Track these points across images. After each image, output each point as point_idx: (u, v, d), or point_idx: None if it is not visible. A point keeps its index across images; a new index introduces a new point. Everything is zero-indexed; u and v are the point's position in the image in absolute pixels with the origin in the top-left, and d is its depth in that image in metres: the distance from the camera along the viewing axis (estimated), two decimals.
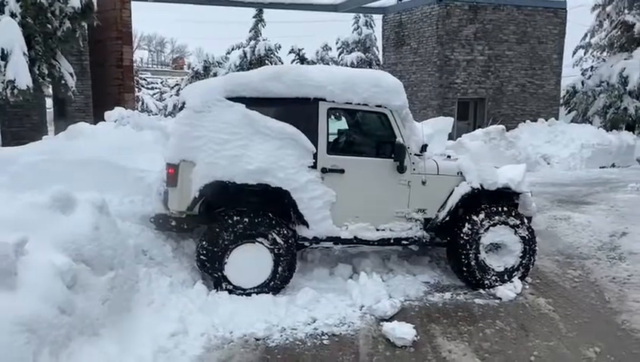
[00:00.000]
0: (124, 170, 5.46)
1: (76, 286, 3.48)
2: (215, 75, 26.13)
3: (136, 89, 27.37)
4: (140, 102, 29.55)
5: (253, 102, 4.87)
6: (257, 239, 4.79)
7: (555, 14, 17.74)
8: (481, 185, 5.28)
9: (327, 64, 27.32)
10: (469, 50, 16.97)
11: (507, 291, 5.11)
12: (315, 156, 4.93)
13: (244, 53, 26.02)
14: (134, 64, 16.56)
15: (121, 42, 13.19)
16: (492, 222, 5.25)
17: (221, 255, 4.73)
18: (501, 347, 4.13)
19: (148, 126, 6.90)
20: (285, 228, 4.88)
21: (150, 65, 63.13)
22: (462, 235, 5.20)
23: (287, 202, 4.89)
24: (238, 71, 24.60)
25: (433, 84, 17.14)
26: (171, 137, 4.92)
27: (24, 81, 8.51)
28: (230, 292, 4.75)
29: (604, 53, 19.49)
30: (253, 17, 27.04)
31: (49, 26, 9.43)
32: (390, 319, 4.47)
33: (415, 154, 5.22)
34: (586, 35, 20.60)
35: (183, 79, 32.29)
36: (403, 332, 4.15)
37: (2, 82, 8.49)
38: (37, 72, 9.29)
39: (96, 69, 12.89)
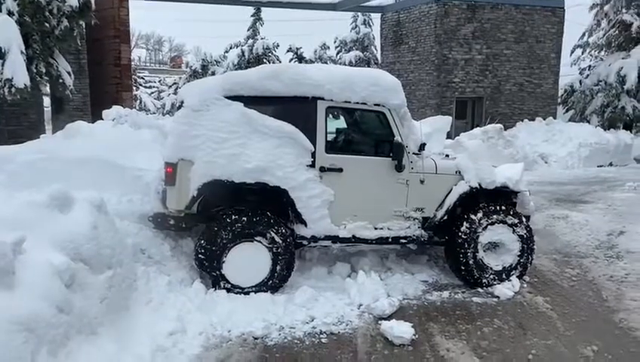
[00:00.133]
0: (122, 168, 5.45)
1: (74, 285, 3.47)
2: (213, 73, 26.11)
3: (134, 88, 27.32)
4: (138, 101, 29.52)
5: (252, 101, 4.87)
6: (256, 238, 4.79)
7: (553, 13, 17.76)
8: (480, 184, 5.29)
9: (326, 63, 27.36)
10: (467, 49, 16.98)
11: (505, 290, 5.12)
12: (313, 155, 4.93)
13: (242, 52, 26.01)
14: (132, 63, 16.54)
15: (119, 41, 13.17)
16: (490, 221, 5.26)
17: (219, 254, 4.73)
18: (499, 345, 4.13)
19: (146, 125, 6.90)
20: (284, 227, 4.88)
21: (148, 64, 63.05)
22: (460, 234, 5.21)
23: (286, 201, 4.89)
24: (236, 69, 24.60)
25: (431, 83, 17.15)
26: (169, 136, 4.92)
27: (22, 79, 8.49)
28: (228, 291, 4.74)
29: (602, 53, 19.51)
30: (252, 16, 27.04)
31: (47, 25, 9.41)
32: (388, 318, 4.48)
33: (413, 153, 5.22)
34: (583, 34, 20.62)
35: (180, 78, 32.26)
36: (401, 330, 4.16)
37: (0, 81, 8.47)
38: (34, 71, 9.26)
39: (94, 67, 12.86)
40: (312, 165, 4.94)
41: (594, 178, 12.26)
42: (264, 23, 27.06)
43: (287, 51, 26.45)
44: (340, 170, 5.03)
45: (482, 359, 3.92)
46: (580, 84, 19.24)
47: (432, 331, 4.35)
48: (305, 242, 5.11)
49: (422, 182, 5.25)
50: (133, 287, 4.28)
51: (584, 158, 14.15)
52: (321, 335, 4.23)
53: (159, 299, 4.39)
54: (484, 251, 5.30)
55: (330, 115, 5.24)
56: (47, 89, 11.20)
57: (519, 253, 5.37)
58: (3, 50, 8.42)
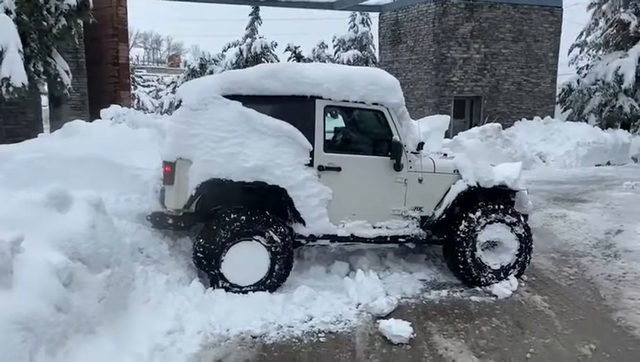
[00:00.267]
0: (120, 167, 5.45)
1: (72, 284, 3.47)
2: (211, 72, 26.09)
3: (132, 87, 27.29)
4: (136, 100, 29.51)
5: (250, 100, 4.86)
6: (254, 237, 4.79)
7: (550, 12, 17.78)
8: (478, 183, 5.29)
9: (324, 62, 27.35)
10: (465, 48, 16.99)
11: (503, 288, 5.12)
12: (311, 154, 4.93)
13: (241, 51, 26.00)
14: (130, 62, 16.51)
15: (117, 40, 13.17)
16: (489, 220, 5.26)
17: (218, 252, 4.73)
18: (497, 344, 4.14)
19: (144, 124, 6.90)
20: (282, 226, 4.88)
21: (146, 63, 62.97)
22: (458, 233, 5.22)
23: (284, 200, 4.88)
24: (234, 68, 24.59)
25: (429, 82, 17.16)
26: (168, 135, 4.91)
27: (19, 78, 8.48)
28: (227, 290, 4.74)
29: (600, 52, 19.52)
30: (250, 15, 27.03)
31: (44, 23, 9.40)
32: (387, 316, 4.48)
33: (412, 152, 5.22)
34: (581, 34, 20.63)
35: (179, 77, 32.23)
36: (399, 329, 4.16)
37: None
38: (32, 70, 9.25)
39: (92, 66, 12.85)
40: (311, 164, 4.94)
41: (592, 177, 12.29)
42: (262, 22, 27.06)
43: (286, 50, 26.45)
44: (339, 169, 5.03)
45: (480, 358, 3.93)
46: (578, 83, 19.26)
47: (431, 330, 4.36)
48: (303, 241, 5.11)
49: (420, 181, 5.25)
50: (131, 286, 4.28)
51: (582, 157, 14.18)
52: (320, 334, 4.24)
53: (157, 298, 4.39)
54: (483, 250, 5.31)
55: (329, 114, 5.24)
56: (45, 88, 11.18)
57: (517, 252, 5.37)
58: (0, 49, 8.40)
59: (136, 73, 36.83)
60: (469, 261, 5.22)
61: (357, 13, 28.00)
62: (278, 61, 25.78)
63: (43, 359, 2.95)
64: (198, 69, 27.35)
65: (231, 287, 4.77)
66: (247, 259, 4.78)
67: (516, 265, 5.39)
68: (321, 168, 4.98)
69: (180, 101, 4.94)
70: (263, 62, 24.70)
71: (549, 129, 15.15)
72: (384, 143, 5.14)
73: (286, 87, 4.91)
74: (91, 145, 5.77)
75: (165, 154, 4.82)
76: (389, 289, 5.07)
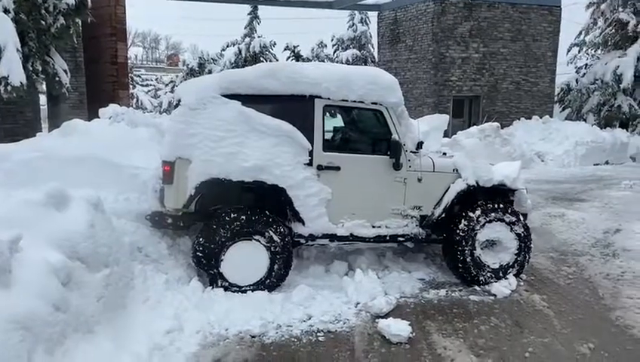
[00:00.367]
0: (118, 167, 5.44)
1: (71, 283, 3.46)
2: (210, 71, 26.08)
3: (131, 86, 27.25)
4: (135, 99, 29.47)
5: (249, 100, 4.86)
6: (254, 236, 4.79)
7: (549, 12, 17.79)
8: (477, 182, 5.29)
9: (323, 61, 27.33)
10: (464, 47, 17.00)
11: (502, 288, 5.13)
12: (310, 153, 4.93)
13: (239, 50, 25.98)
14: (129, 61, 16.48)
15: (116, 39, 13.14)
16: (488, 219, 5.27)
17: (218, 252, 4.73)
18: (496, 343, 4.14)
19: (142, 123, 6.89)
20: (282, 225, 4.87)
21: (145, 62, 62.93)
22: (458, 231, 5.22)
23: (283, 199, 4.88)
24: (232, 68, 24.57)
25: (428, 81, 17.16)
26: (167, 135, 4.90)
27: (18, 77, 8.46)
28: (226, 289, 4.74)
29: (599, 51, 19.54)
30: (248, 14, 27.02)
31: (43, 22, 9.38)
32: (385, 316, 4.48)
33: (411, 152, 5.22)
34: (580, 33, 20.65)
35: (177, 76, 32.21)
36: (398, 328, 4.16)
37: None
38: (31, 69, 9.23)
39: (90, 65, 12.83)
40: (310, 163, 4.94)
41: (590, 176, 12.30)
42: (261, 21, 27.07)
43: (285, 49, 26.44)
44: (338, 168, 5.03)
45: (479, 357, 3.93)
46: (577, 82, 19.28)
47: (429, 329, 4.36)
48: (302, 240, 5.11)
49: (419, 180, 5.25)
50: (130, 286, 4.27)
51: (580, 157, 14.19)
52: (319, 334, 4.23)
53: (156, 297, 4.38)
54: (482, 249, 5.31)
55: (328, 114, 5.24)
56: (44, 87, 11.16)
57: (517, 252, 5.38)
58: None
59: (134, 72, 36.80)
60: (468, 260, 5.22)
61: (356, 12, 27.98)
62: (277, 60, 25.77)
63: (41, 358, 2.95)
64: (197, 69, 27.33)
65: (230, 287, 4.76)
66: (246, 259, 4.77)
67: (515, 265, 5.40)
68: (320, 167, 4.98)
69: (179, 100, 4.94)
70: (262, 61, 24.67)
71: (548, 128, 15.17)
72: (383, 142, 5.14)
73: (285, 87, 4.90)
74: (90, 145, 5.76)
75: (164, 154, 4.81)
76: (388, 288, 5.07)
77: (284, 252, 4.84)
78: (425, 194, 5.30)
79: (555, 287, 5.36)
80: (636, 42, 17.66)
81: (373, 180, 5.13)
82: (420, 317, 4.59)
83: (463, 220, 5.24)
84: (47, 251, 3.41)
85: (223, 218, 4.75)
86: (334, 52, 29.12)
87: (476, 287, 5.24)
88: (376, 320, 4.40)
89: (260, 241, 4.79)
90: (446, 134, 12.38)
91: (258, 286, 4.81)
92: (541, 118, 15.88)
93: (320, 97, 4.98)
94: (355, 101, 5.06)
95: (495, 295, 5.07)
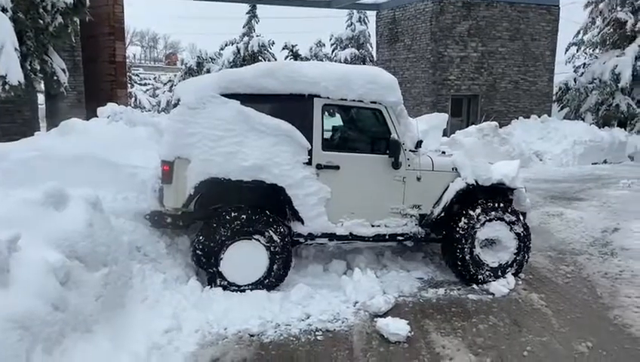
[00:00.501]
0: (117, 166, 5.43)
1: (69, 282, 3.46)
2: (208, 71, 26.07)
3: (129, 85, 27.23)
4: (133, 99, 29.42)
5: (248, 99, 4.86)
6: (254, 236, 4.78)
7: (548, 11, 17.80)
8: (476, 181, 5.30)
9: (321, 60, 27.33)
10: (462, 46, 17.00)
11: (500, 287, 5.13)
12: (310, 152, 4.93)
13: (238, 49, 25.96)
14: (127, 60, 16.46)
15: (114, 38, 13.11)
16: (488, 218, 5.27)
17: (217, 250, 4.73)
18: (494, 342, 4.15)
19: (141, 122, 6.88)
20: (282, 225, 4.87)
21: (143, 61, 62.87)
22: (458, 229, 5.22)
23: (283, 199, 4.88)
24: (231, 67, 24.56)
25: (427, 80, 17.16)
26: (166, 134, 4.90)
27: (15, 76, 8.43)
28: (224, 288, 4.74)
29: (597, 50, 19.57)
30: (247, 13, 27.00)
31: (41, 21, 9.35)
32: (384, 315, 4.48)
33: (410, 151, 5.22)
34: (578, 32, 20.68)
35: (176, 75, 32.19)
36: (397, 327, 4.16)
37: None
38: (29, 68, 9.21)
39: (88, 64, 12.81)
40: (309, 163, 4.94)
41: (588, 175, 12.32)
42: (259, 20, 27.04)
43: (283, 49, 26.43)
44: (337, 167, 5.03)
45: (478, 356, 3.93)
46: (575, 81, 19.31)
47: (428, 328, 4.36)
48: (302, 240, 5.11)
49: (418, 179, 5.25)
50: (128, 285, 4.27)
51: (579, 156, 14.21)
52: (317, 333, 4.23)
53: (155, 296, 4.38)
54: (481, 248, 5.31)
55: (327, 113, 5.24)
56: (42, 86, 11.15)
57: (516, 251, 5.38)
58: None
59: (133, 71, 36.76)
60: (467, 258, 5.23)
61: (354, 11, 27.98)
62: (276, 59, 25.76)
63: (40, 358, 2.95)
64: (195, 68, 27.31)
65: (229, 286, 4.76)
66: (246, 258, 4.77)
67: (514, 264, 5.41)
68: (319, 167, 4.98)
69: (178, 100, 4.93)
70: (260, 60, 24.67)
71: (546, 127, 15.18)
72: (382, 141, 5.14)
73: (284, 86, 4.90)
74: (88, 144, 5.74)
75: (163, 154, 4.81)
76: (387, 287, 5.07)
77: (283, 252, 4.84)
78: (424, 193, 5.30)
79: (554, 286, 5.37)
80: (634, 41, 17.70)
81: (372, 179, 5.13)
82: (419, 316, 4.59)
83: (463, 218, 5.24)
84: (45, 250, 3.41)
85: (223, 217, 4.75)
86: (333, 51, 29.12)
87: (475, 286, 5.25)
88: (375, 319, 4.40)
89: (259, 241, 4.79)
90: (445, 133, 12.37)
91: (257, 285, 4.81)
92: (539, 117, 15.89)
93: (319, 96, 4.98)
94: (354, 100, 5.06)
95: (493, 294, 5.07)
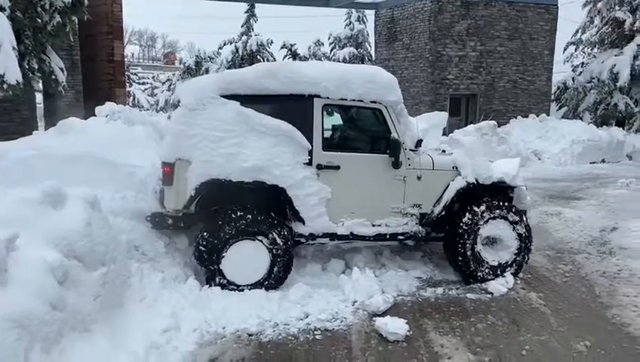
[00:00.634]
0: (115, 165, 5.42)
1: (67, 282, 3.45)
2: (207, 70, 26.04)
3: (128, 84, 27.20)
4: (131, 98, 29.39)
5: (248, 100, 4.85)
6: (258, 237, 4.78)
7: (546, 10, 17.81)
8: (476, 180, 5.30)
9: (320, 59, 27.32)
10: (461, 46, 17.01)
11: (499, 286, 5.13)
12: (310, 153, 4.93)
13: (236, 49, 25.92)
14: (125, 59, 16.44)
15: (112, 37, 13.10)
16: (492, 215, 5.28)
17: (220, 248, 4.72)
18: (493, 341, 4.15)
19: (139, 121, 6.87)
20: (286, 229, 4.87)
21: (141, 61, 62.81)
22: (461, 224, 5.22)
23: (283, 199, 4.88)
24: (229, 66, 24.54)
25: (425, 79, 17.17)
26: (166, 136, 4.90)
27: (13, 75, 8.41)
28: (223, 287, 4.73)
29: (595, 50, 19.60)
30: (245, 12, 26.93)
31: (39, 20, 9.33)
32: (383, 314, 4.48)
33: (410, 150, 5.22)
34: (577, 32, 20.70)
35: (174, 74, 32.15)
36: (395, 327, 4.16)
37: None
38: (27, 67, 9.18)
39: (86, 63, 12.79)
40: (309, 163, 4.93)
41: (587, 175, 12.33)
42: (258, 19, 26.96)
43: (281, 48, 26.39)
44: (337, 167, 5.02)
45: (476, 355, 3.93)
46: (573, 81, 19.32)
47: (427, 327, 4.36)
48: (303, 240, 5.10)
49: (419, 178, 5.25)
50: (126, 284, 4.26)
51: (577, 155, 14.22)
52: (316, 332, 4.23)
53: (153, 295, 4.37)
54: (483, 245, 5.32)
55: (326, 113, 5.24)
56: (40, 85, 11.12)
57: (516, 251, 5.39)
58: None
59: (131, 70, 36.72)
60: (468, 253, 5.23)
61: (353, 10, 27.94)
62: (274, 58, 25.74)
63: (38, 357, 2.94)
64: (194, 67, 27.28)
65: (228, 284, 4.75)
66: (247, 259, 4.77)
67: (514, 264, 5.41)
68: (319, 167, 4.97)
69: (179, 101, 4.93)
70: (259, 59, 24.67)
71: (545, 127, 15.19)
72: (383, 141, 5.15)
73: (284, 87, 4.90)
74: (86, 143, 5.73)
75: (164, 155, 4.81)
76: (385, 286, 5.07)
77: (285, 255, 4.84)
78: (424, 192, 5.30)
79: (552, 285, 5.37)
80: (632, 41, 17.71)
81: (372, 179, 5.13)
82: (417, 315, 4.59)
83: (467, 213, 5.24)
84: (43, 250, 3.40)
85: (229, 215, 4.74)
86: (331, 50, 29.09)
87: (473, 285, 5.25)
88: (374, 319, 4.40)
89: (262, 242, 4.79)
90: (444, 132, 12.38)
91: (256, 286, 4.80)
92: (538, 116, 15.90)
93: (319, 96, 4.97)
94: (354, 100, 5.06)
95: (492, 293, 5.07)
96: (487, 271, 5.29)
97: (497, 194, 5.46)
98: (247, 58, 24.84)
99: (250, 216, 4.75)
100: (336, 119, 6.07)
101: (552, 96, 19.30)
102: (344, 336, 4.19)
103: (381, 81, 5.15)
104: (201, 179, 4.69)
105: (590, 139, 14.55)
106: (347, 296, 4.81)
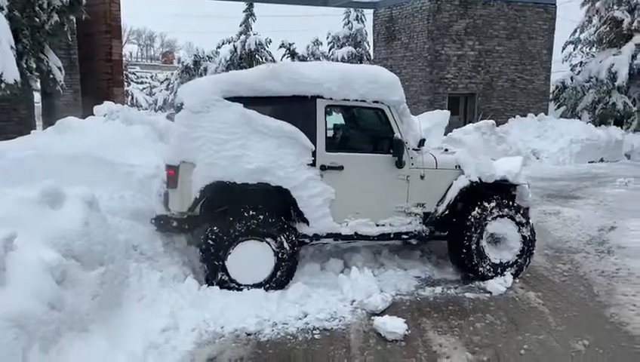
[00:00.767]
0: (113, 165, 5.41)
1: (66, 281, 3.45)
2: (205, 69, 26.04)
3: (126, 83, 27.16)
4: (130, 97, 29.36)
5: (251, 102, 4.85)
6: (266, 238, 4.79)
7: (544, 10, 17.82)
8: (480, 178, 5.30)
9: (318, 59, 27.30)
10: (459, 45, 17.01)
11: (497, 285, 5.14)
12: (313, 154, 4.93)
13: (235, 48, 25.91)
14: (124, 58, 16.42)
15: (110, 36, 13.07)
16: (501, 213, 5.30)
17: (228, 244, 4.71)
18: (491, 341, 4.15)
19: (137, 120, 6.85)
20: (293, 234, 4.87)
21: (140, 60, 62.74)
22: (470, 218, 5.24)
23: (288, 200, 4.88)
24: (228, 65, 24.52)
25: (424, 79, 17.17)
26: (170, 138, 4.91)
27: (11, 75, 8.38)
28: (223, 284, 4.72)
29: (594, 49, 19.63)
30: (244, 11, 26.91)
31: (37, 20, 9.31)
32: (381, 313, 4.48)
33: (413, 149, 5.23)
34: (575, 31, 20.73)
35: (172, 74, 32.13)
36: (394, 326, 4.16)
37: None
38: (25, 66, 9.16)
39: (85, 63, 12.76)
40: (313, 164, 4.93)
41: (585, 174, 12.35)
42: (256, 18, 26.93)
43: (280, 47, 26.38)
44: (341, 168, 5.03)
45: (475, 354, 3.93)
46: (572, 80, 19.34)
47: (425, 326, 4.37)
48: (307, 240, 5.10)
49: (422, 177, 5.26)
50: (125, 284, 4.26)
51: (575, 154, 14.24)
52: (314, 331, 4.23)
53: (151, 295, 4.37)
54: (487, 242, 5.33)
55: (328, 113, 5.24)
56: (38, 84, 11.09)
57: (519, 253, 5.40)
58: None
59: (129, 70, 36.66)
60: (472, 247, 5.24)
61: (351, 9, 27.93)
62: (273, 58, 25.72)
63: (36, 357, 2.94)
64: (192, 66, 27.27)
65: (229, 282, 4.74)
66: (253, 259, 4.77)
67: (514, 265, 5.42)
68: (323, 168, 4.98)
69: (182, 104, 4.92)
70: (257, 59, 24.66)
71: (543, 126, 15.21)
72: (386, 141, 5.15)
73: (287, 88, 4.90)
74: (84, 142, 5.71)
75: (168, 158, 4.81)
76: (384, 286, 5.07)
77: (290, 260, 4.84)
78: (428, 192, 5.31)
79: (550, 285, 5.38)
80: (631, 40, 17.74)
81: (376, 179, 5.14)
82: (416, 314, 4.59)
83: (477, 208, 5.26)
84: (41, 249, 3.39)
85: (241, 213, 4.74)
86: (330, 49, 29.07)
87: (472, 285, 5.25)
88: (372, 318, 4.40)
89: (270, 244, 4.79)
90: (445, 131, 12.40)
91: (257, 287, 4.78)
92: (536, 115, 15.93)
93: (322, 97, 4.98)
94: (356, 100, 5.06)
95: (490, 292, 5.08)
96: (488, 267, 5.30)
97: (500, 192, 5.46)
98: (245, 57, 24.84)
99: (261, 217, 4.75)
100: (339, 119, 6.07)
101: (551, 96, 19.33)
102: (343, 336, 4.19)
103: (383, 80, 5.16)
104: (205, 181, 4.69)
105: (588, 138, 14.58)
106: (346, 296, 4.81)
